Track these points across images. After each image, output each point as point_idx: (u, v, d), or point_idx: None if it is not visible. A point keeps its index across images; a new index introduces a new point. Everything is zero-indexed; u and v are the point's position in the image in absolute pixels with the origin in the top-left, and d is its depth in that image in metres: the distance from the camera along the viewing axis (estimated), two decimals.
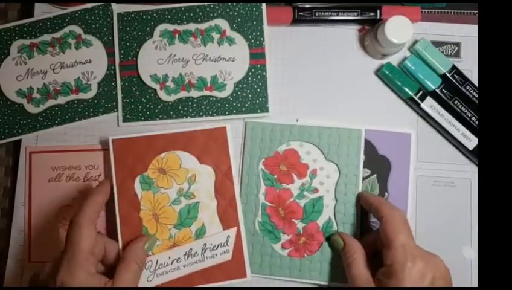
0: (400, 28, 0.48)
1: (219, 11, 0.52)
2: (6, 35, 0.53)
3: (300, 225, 0.51)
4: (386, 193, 0.52)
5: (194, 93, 0.52)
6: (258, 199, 0.52)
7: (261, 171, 0.52)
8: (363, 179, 0.52)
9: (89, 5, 0.53)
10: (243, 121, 0.53)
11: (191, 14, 0.52)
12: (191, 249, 0.50)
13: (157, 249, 0.50)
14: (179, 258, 0.50)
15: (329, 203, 0.51)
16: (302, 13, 0.52)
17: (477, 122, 0.51)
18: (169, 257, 0.50)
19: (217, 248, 0.50)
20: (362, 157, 0.52)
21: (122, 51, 0.53)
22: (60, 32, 0.53)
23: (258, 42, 0.52)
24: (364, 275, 0.45)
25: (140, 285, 0.48)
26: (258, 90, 0.52)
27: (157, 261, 0.50)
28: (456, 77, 0.52)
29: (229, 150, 0.51)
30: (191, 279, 0.50)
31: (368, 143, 0.52)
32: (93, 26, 0.53)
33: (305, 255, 0.51)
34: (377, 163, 0.52)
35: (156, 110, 0.52)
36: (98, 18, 0.53)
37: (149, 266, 0.49)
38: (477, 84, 0.52)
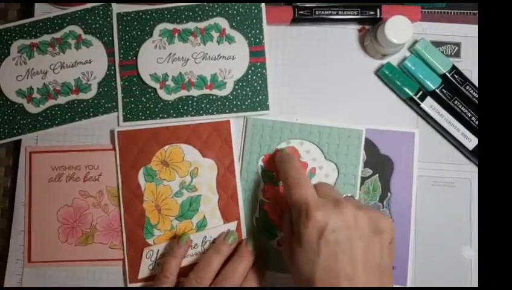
0: (399, 28, 0.48)
1: (218, 10, 0.52)
2: (6, 35, 0.53)
3: None
4: (389, 193, 0.52)
5: (194, 92, 0.52)
6: (256, 195, 0.52)
7: (260, 168, 0.52)
8: (365, 179, 0.52)
9: (89, 5, 0.53)
10: (243, 118, 0.53)
11: (190, 13, 0.52)
12: (192, 240, 0.50)
13: (159, 239, 0.51)
14: None
15: None
16: (302, 12, 0.52)
17: (477, 122, 0.51)
18: None
19: None
20: (362, 157, 0.52)
21: (122, 51, 0.53)
22: (60, 32, 0.53)
23: (257, 40, 0.52)
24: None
25: (141, 273, 0.51)
26: (258, 88, 0.52)
27: (158, 251, 0.51)
28: (456, 77, 0.52)
29: (232, 144, 0.52)
30: (191, 270, 0.50)
31: (369, 142, 0.52)
32: (93, 26, 0.53)
33: None
34: (379, 163, 0.52)
35: (156, 110, 0.52)
36: (98, 18, 0.53)
37: (150, 255, 0.51)
38: (477, 84, 0.52)
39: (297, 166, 0.46)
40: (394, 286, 0.51)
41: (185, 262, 0.50)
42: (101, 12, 0.53)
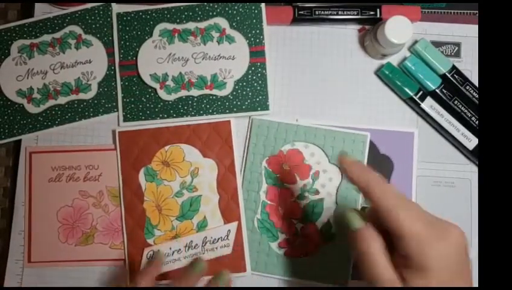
0: (399, 28, 0.48)
1: (218, 10, 0.52)
2: (6, 35, 0.53)
3: (298, 226, 0.51)
4: None
5: (194, 92, 0.52)
6: (259, 196, 0.52)
7: (264, 169, 0.52)
8: None
9: (89, 5, 0.53)
10: (247, 119, 0.53)
11: (190, 13, 0.52)
12: (192, 241, 0.51)
13: (159, 239, 0.51)
14: (179, 249, 0.51)
15: (330, 206, 0.51)
16: (302, 12, 0.52)
17: (477, 122, 0.51)
18: (170, 248, 0.51)
19: (217, 241, 0.51)
20: (366, 162, 0.51)
21: (122, 51, 0.53)
22: (60, 32, 0.53)
23: (257, 40, 0.52)
24: (387, 274, 0.35)
25: None
26: (258, 88, 0.52)
27: (158, 251, 0.51)
28: (456, 77, 0.52)
29: (233, 144, 0.52)
30: None
31: (369, 142, 0.52)
32: (94, 26, 0.53)
33: (302, 255, 0.51)
34: (379, 163, 0.52)
35: (156, 110, 0.52)
36: (98, 18, 0.53)
37: (150, 255, 0.51)
38: (477, 84, 0.52)
39: (385, 185, 0.36)
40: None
41: (184, 263, 0.51)
42: (101, 13, 0.53)
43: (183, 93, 0.52)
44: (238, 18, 0.52)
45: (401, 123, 0.53)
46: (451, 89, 0.52)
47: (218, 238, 0.51)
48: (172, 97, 0.52)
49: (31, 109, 0.52)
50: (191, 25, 0.52)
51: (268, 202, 0.52)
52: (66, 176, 0.52)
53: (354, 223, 0.37)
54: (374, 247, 0.36)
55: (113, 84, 0.53)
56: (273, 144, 0.52)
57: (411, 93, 0.51)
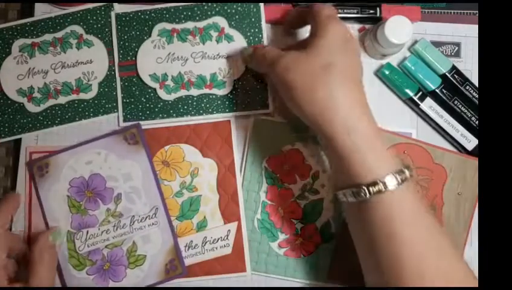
0: (399, 28, 0.48)
1: (217, 9, 0.52)
2: (8, 34, 0.53)
3: (298, 226, 0.51)
4: None
5: (194, 92, 0.52)
6: (259, 196, 0.52)
7: (264, 169, 0.52)
8: None
9: (90, 5, 0.53)
10: (247, 118, 0.53)
11: (189, 13, 0.53)
12: (192, 241, 0.51)
13: None
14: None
15: (330, 206, 0.51)
16: None
17: (477, 123, 0.51)
18: None
19: (217, 241, 0.51)
20: None
21: (121, 51, 0.53)
22: (61, 32, 0.53)
23: (256, 39, 0.52)
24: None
25: None
26: (258, 87, 0.52)
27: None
28: (456, 77, 0.52)
29: (233, 144, 0.52)
30: (191, 271, 0.51)
31: None
32: (95, 26, 0.53)
33: (302, 255, 0.51)
34: None
35: (156, 110, 0.52)
36: (99, 18, 0.53)
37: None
38: (477, 84, 0.52)
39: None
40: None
41: (186, 263, 0.50)
42: (102, 13, 0.53)
43: (182, 92, 0.52)
44: (236, 17, 0.52)
45: (401, 123, 0.53)
46: (451, 89, 0.52)
47: (218, 238, 0.51)
48: (172, 97, 0.52)
49: (31, 108, 0.52)
50: (189, 25, 0.52)
51: (269, 202, 0.52)
52: None
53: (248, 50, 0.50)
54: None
55: (113, 84, 0.53)
56: (274, 143, 0.52)
57: (411, 94, 0.51)
